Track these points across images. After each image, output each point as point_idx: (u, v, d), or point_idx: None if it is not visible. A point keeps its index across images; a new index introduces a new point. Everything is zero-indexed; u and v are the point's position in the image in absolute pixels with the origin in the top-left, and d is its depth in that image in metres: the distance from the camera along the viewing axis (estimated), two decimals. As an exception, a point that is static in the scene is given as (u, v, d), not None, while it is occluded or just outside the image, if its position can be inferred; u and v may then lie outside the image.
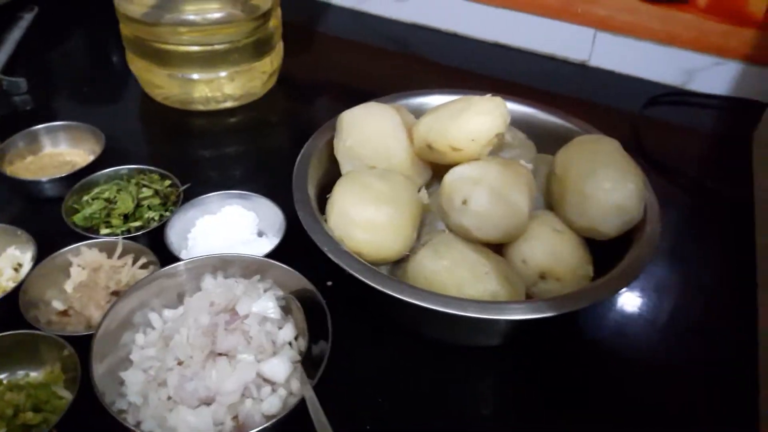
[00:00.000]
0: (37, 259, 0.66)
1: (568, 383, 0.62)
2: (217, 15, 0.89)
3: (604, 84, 1.10)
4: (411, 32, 1.22)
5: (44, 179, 0.76)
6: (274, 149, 0.94)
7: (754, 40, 1.00)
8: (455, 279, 0.58)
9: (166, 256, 0.67)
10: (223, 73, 0.92)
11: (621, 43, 1.08)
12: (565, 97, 1.06)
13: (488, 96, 0.63)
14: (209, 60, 0.91)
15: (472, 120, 0.61)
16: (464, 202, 0.59)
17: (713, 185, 0.89)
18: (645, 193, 0.62)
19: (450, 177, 0.61)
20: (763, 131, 0.90)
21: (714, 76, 1.04)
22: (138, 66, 0.95)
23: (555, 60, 1.15)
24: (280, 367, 0.54)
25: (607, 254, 0.62)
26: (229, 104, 0.96)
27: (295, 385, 0.54)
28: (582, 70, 1.13)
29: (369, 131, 0.67)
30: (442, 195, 0.61)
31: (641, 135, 0.98)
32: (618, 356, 0.65)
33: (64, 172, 0.77)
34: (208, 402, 0.52)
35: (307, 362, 0.56)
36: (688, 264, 0.76)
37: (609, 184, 0.59)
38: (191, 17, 0.89)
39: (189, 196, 0.75)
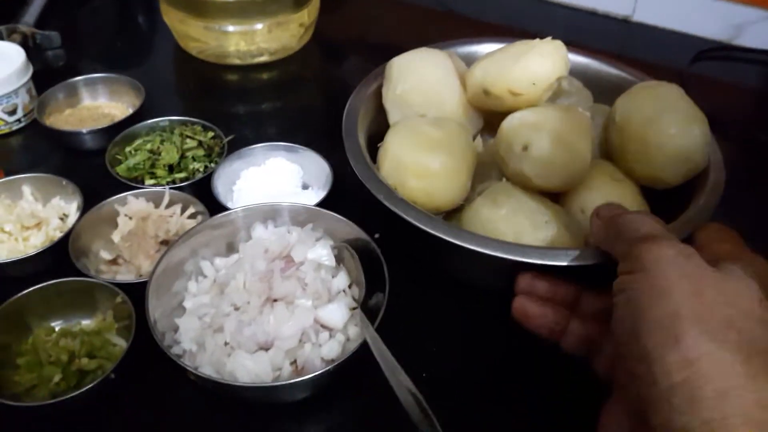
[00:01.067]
0: (83, 210, 0.65)
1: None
2: (254, -36, 0.87)
3: (648, 40, 1.07)
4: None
5: (84, 131, 0.75)
6: (310, 106, 0.92)
7: (807, -8, 0.96)
8: (514, 227, 0.56)
9: (213, 207, 0.66)
10: (258, 26, 0.90)
11: (666, -3, 1.05)
12: (607, 54, 1.02)
13: (548, 39, 0.61)
14: (246, 10, 0.89)
15: (534, 62, 0.59)
16: (525, 148, 0.57)
17: (765, 137, 0.86)
18: (710, 141, 0.59)
19: (509, 122, 0.59)
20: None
21: (764, 30, 1.01)
22: (173, 17, 0.93)
23: (597, 15, 1.11)
24: (338, 313, 0.53)
25: (666, 205, 0.60)
26: (264, 58, 0.94)
27: (353, 331, 0.53)
28: (625, 25, 1.10)
29: (420, 77, 0.65)
30: (500, 141, 0.59)
31: (688, 91, 0.94)
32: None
33: (103, 124, 0.76)
34: (266, 347, 0.51)
35: (363, 311, 0.54)
36: (743, 218, 0.73)
37: (674, 130, 0.57)
38: (228, -33, 0.86)
39: (233, 148, 0.73)
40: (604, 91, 0.70)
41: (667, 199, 0.61)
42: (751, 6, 1.00)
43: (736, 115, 0.93)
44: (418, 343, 0.59)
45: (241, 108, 0.90)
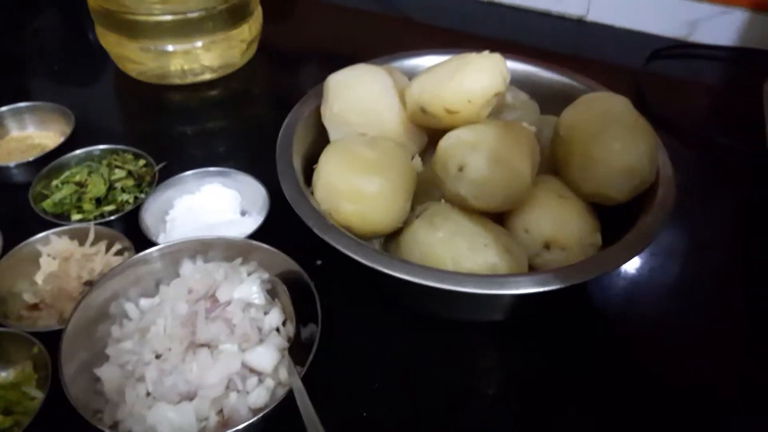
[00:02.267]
0: (4, 250, 0.61)
1: (575, 356, 0.58)
2: (189, -20, 0.83)
3: (603, 39, 1.05)
4: (398, -7, 1.16)
5: (11, 164, 0.71)
6: (256, 122, 0.89)
7: (761, -15, 0.94)
8: (452, 251, 0.54)
9: (142, 242, 0.63)
10: (198, 43, 0.87)
11: (619, -4, 1.03)
12: (562, 55, 1.00)
13: (485, 53, 0.58)
14: (183, 29, 0.85)
15: (469, 78, 0.56)
16: (461, 169, 0.54)
17: (724, 140, 0.85)
18: (657, 154, 0.57)
19: (445, 142, 0.56)
20: (774, 82, 0.85)
21: (719, 26, 0.99)
22: (109, 40, 0.89)
23: (550, 16, 1.09)
24: (267, 356, 0.50)
25: (616, 220, 0.58)
26: (207, 76, 0.91)
27: (284, 374, 0.50)
28: (579, 25, 1.07)
29: (358, 95, 0.62)
30: (437, 162, 0.56)
31: (645, 91, 0.93)
32: (627, 326, 0.61)
33: (32, 156, 0.72)
34: (190, 397, 0.48)
35: (296, 349, 0.51)
36: (698, 224, 0.72)
37: (619, 145, 0.55)
38: (161, -16, 0.83)
39: (165, 176, 0.70)
40: (553, 101, 0.68)
41: (617, 215, 0.58)
42: (704, 2, 0.98)
43: (694, 113, 0.91)
44: (359, 378, 0.56)
45: (182, 129, 0.86)
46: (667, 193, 0.57)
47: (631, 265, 0.66)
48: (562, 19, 1.08)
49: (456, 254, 0.53)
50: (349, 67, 0.65)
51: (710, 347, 0.59)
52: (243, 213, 0.69)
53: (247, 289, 0.53)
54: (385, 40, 1.04)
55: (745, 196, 0.75)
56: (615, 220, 0.58)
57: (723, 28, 0.99)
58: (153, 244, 0.62)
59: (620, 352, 0.59)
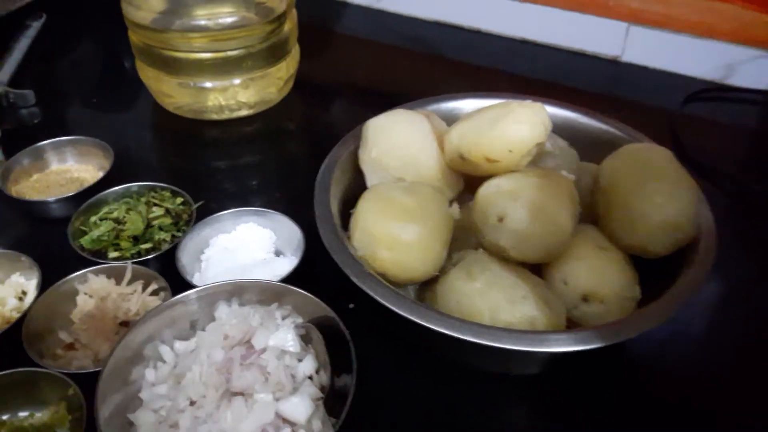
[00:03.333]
0: (42, 287, 0.62)
1: (608, 411, 0.57)
2: (229, 19, 0.84)
3: (638, 80, 1.04)
4: (432, 30, 1.16)
5: (51, 199, 0.73)
6: (292, 159, 0.89)
7: (800, 30, 0.93)
8: (489, 303, 0.53)
9: (177, 281, 0.63)
10: (236, 81, 0.88)
11: (655, 37, 1.02)
12: (596, 95, 1.00)
13: (527, 102, 0.58)
14: (222, 67, 0.86)
15: (510, 129, 0.55)
16: (500, 220, 0.54)
17: (760, 187, 0.83)
18: (700, 208, 0.56)
19: (484, 190, 0.56)
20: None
21: (756, 69, 0.98)
22: (148, 75, 0.91)
23: (585, 56, 1.08)
24: (301, 407, 0.49)
25: (654, 272, 0.57)
26: (244, 112, 0.92)
27: (317, 425, 0.49)
28: (614, 66, 1.07)
29: (396, 140, 0.63)
30: (476, 210, 0.56)
31: (680, 134, 0.92)
32: (665, 380, 0.60)
33: (71, 191, 0.73)
34: (223, 447, 0.48)
35: (331, 399, 0.51)
36: (736, 274, 0.70)
37: (660, 199, 0.54)
38: (202, 22, 0.84)
39: (202, 214, 0.70)
40: (593, 148, 0.67)
41: (658, 267, 0.57)
42: (742, 45, 0.97)
43: (732, 158, 0.89)
44: (393, 430, 0.55)
45: (217, 164, 0.87)
46: (708, 247, 0.56)
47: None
48: (596, 59, 1.08)
49: (494, 306, 0.53)
50: (388, 112, 0.66)
51: (748, 403, 0.57)
52: (277, 253, 0.69)
53: (282, 336, 0.53)
54: (419, 78, 1.05)
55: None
56: (654, 272, 0.57)
57: (760, 72, 0.98)
58: (188, 283, 0.62)
59: (654, 407, 0.57)
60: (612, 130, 0.68)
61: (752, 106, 0.99)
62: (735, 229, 0.75)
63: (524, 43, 1.12)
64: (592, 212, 0.61)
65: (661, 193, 0.54)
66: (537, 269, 0.58)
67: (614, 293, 0.55)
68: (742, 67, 0.99)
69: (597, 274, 0.56)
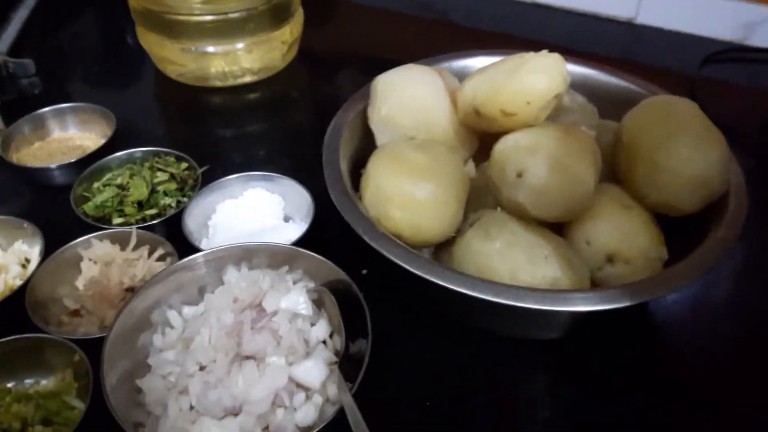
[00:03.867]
0: (46, 254, 0.60)
1: (632, 377, 0.55)
2: (230, -21, 0.82)
3: (654, 43, 1.01)
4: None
5: (53, 166, 0.71)
6: (298, 126, 0.87)
7: (823, -14, 0.89)
8: (509, 263, 0.51)
9: (184, 247, 0.61)
10: (239, 45, 0.85)
11: (671, -3, 0.99)
12: (612, 59, 0.96)
13: (544, 52, 0.55)
14: (224, 30, 0.84)
15: (527, 79, 0.53)
16: (519, 175, 0.51)
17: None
18: (729, 162, 0.53)
19: (501, 146, 0.54)
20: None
21: (777, 29, 0.95)
22: (149, 41, 0.88)
23: (599, 19, 1.05)
24: (315, 371, 0.47)
25: (682, 231, 0.55)
26: (247, 79, 0.89)
27: (332, 390, 0.48)
28: (629, 28, 1.04)
29: (407, 97, 0.60)
30: (493, 167, 0.54)
31: (698, 96, 0.88)
32: (689, 348, 0.58)
33: (73, 157, 0.71)
34: (234, 412, 0.46)
35: (345, 363, 0.49)
36: (759, 237, 0.67)
37: (687, 152, 0.51)
38: (203, -17, 0.81)
39: (208, 180, 0.68)
40: (611, 105, 0.65)
41: (684, 226, 0.55)
42: (761, 4, 0.93)
43: (752, 120, 0.86)
44: (410, 395, 0.53)
45: (222, 132, 0.85)
46: (739, 204, 0.54)
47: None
48: (611, 22, 1.05)
49: (514, 267, 0.50)
50: (397, 68, 0.63)
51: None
52: (287, 219, 0.67)
53: (294, 298, 0.51)
54: (427, 44, 1.02)
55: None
56: (681, 231, 0.55)
57: (781, 31, 0.94)
58: (196, 249, 0.60)
59: (679, 373, 0.55)
60: (632, 87, 0.66)
61: (773, 67, 0.95)
62: (758, 193, 0.73)
63: (537, 6, 1.09)
64: (614, 171, 0.59)
65: (688, 147, 0.52)
66: (558, 230, 0.55)
67: (640, 253, 0.53)
68: (761, 27, 0.95)
69: (621, 233, 0.53)
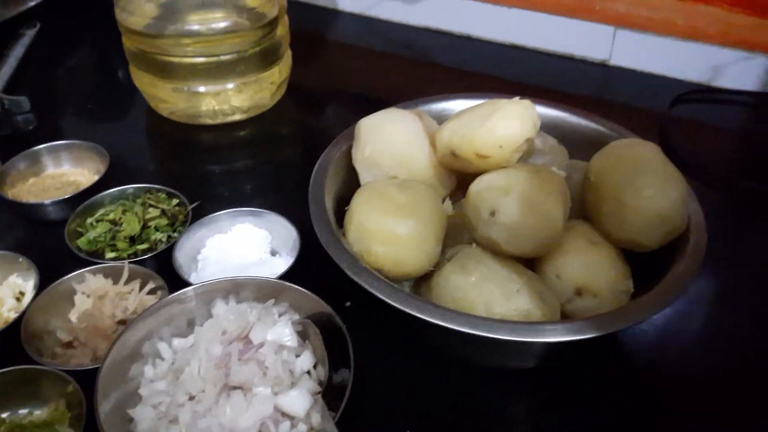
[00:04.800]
0: (40, 287, 0.62)
1: (606, 405, 0.58)
2: (222, 24, 0.85)
3: (626, 83, 1.05)
4: (423, 37, 1.18)
5: (47, 202, 0.73)
6: (285, 162, 0.90)
7: (784, 32, 0.95)
8: (484, 296, 0.54)
9: (174, 280, 0.63)
10: (230, 85, 0.89)
11: (642, 40, 1.04)
12: (586, 98, 1.02)
13: (516, 99, 0.59)
14: (215, 72, 0.87)
15: (500, 125, 0.57)
16: (492, 214, 0.54)
17: (749, 184, 0.84)
18: (689, 201, 0.57)
19: (476, 186, 0.57)
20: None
21: (742, 71, 0.99)
22: (142, 80, 0.91)
23: (574, 60, 1.10)
24: (300, 400, 0.50)
25: (646, 265, 0.58)
26: (237, 117, 0.92)
27: (316, 419, 0.50)
28: (603, 69, 1.08)
29: (389, 138, 0.63)
30: (468, 206, 0.57)
31: (669, 134, 0.93)
32: (660, 373, 0.61)
33: (67, 194, 0.74)
34: (223, 440, 0.48)
35: (329, 393, 0.51)
36: (725, 268, 0.71)
37: (650, 192, 0.55)
38: (195, 27, 0.85)
39: (198, 215, 0.71)
40: (581, 146, 0.68)
41: (649, 261, 0.58)
42: (728, 47, 0.99)
43: (720, 158, 0.91)
44: (390, 424, 0.56)
45: (212, 168, 0.88)
46: (699, 240, 0.57)
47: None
48: (585, 63, 1.09)
49: (489, 299, 0.53)
50: (380, 112, 0.67)
51: (742, 394, 0.58)
52: (273, 253, 0.69)
53: (279, 331, 0.53)
54: (411, 83, 1.06)
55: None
56: (645, 266, 0.58)
57: (746, 73, 0.99)
58: (186, 282, 0.63)
59: (649, 400, 0.58)
60: (600, 128, 0.70)
61: (739, 107, 1.00)
62: (725, 227, 0.77)
63: (514, 48, 1.14)
64: (583, 208, 0.62)
65: (650, 187, 0.55)
66: (530, 264, 0.59)
67: (607, 287, 0.56)
68: (728, 69, 1.00)
69: (589, 267, 0.57)
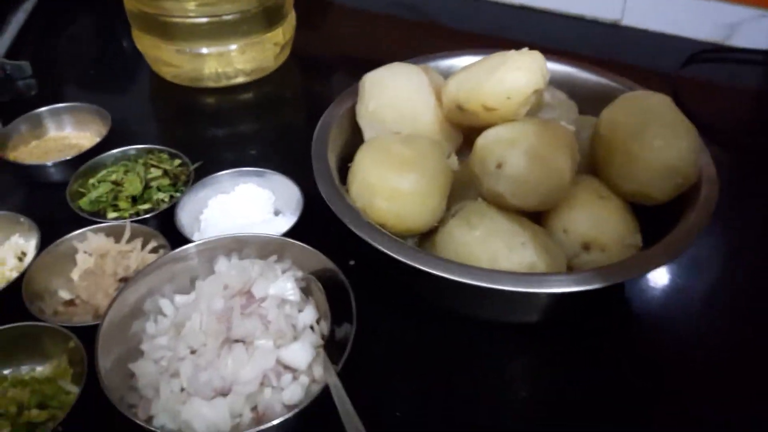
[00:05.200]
0: (42, 247, 0.62)
1: (610, 364, 0.57)
2: (223, -17, 0.84)
3: (638, 44, 1.03)
4: (430, -2, 1.16)
5: (49, 163, 0.72)
6: (289, 125, 0.89)
7: (801, -13, 0.92)
8: (488, 251, 0.53)
9: (177, 240, 0.63)
10: (233, 46, 0.87)
11: (655, -1, 1.01)
12: (597, 60, 0.98)
13: (524, 50, 0.57)
14: (218, 32, 0.86)
15: (508, 75, 0.55)
16: (499, 166, 0.53)
17: (763, 144, 0.82)
18: (700, 152, 0.55)
19: (483, 139, 0.56)
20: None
21: (758, 29, 0.97)
22: (145, 43, 0.90)
23: (585, 21, 1.08)
24: (302, 353, 0.49)
25: (657, 220, 0.57)
26: (240, 79, 0.91)
27: (318, 371, 0.49)
28: (614, 29, 1.06)
29: (393, 93, 0.62)
30: (474, 159, 0.56)
31: (681, 95, 0.91)
32: (663, 332, 0.60)
33: (69, 155, 0.73)
34: (224, 393, 0.48)
35: (331, 347, 0.51)
36: (736, 228, 0.70)
37: (660, 143, 0.53)
38: (197, -15, 0.83)
39: (200, 176, 0.70)
40: (591, 102, 0.67)
41: (658, 215, 0.57)
42: (743, 5, 0.96)
43: (732, 119, 0.89)
44: (392, 378, 0.55)
45: (215, 132, 0.87)
46: (710, 192, 0.56)
47: (668, 269, 0.64)
48: (596, 24, 1.07)
49: (493, 253, 0.52)
50: (385, 66, 0.65)
51: (742, 358, 0.57)
52: (277, 213, 0.68)
53: (282, 285, 0.53)
54: (415, 46, 1.04)
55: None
56: (656, 220, 0.57)
57: (762, 32, 0.97)
58: (188, 242, 0.62)
59: (655, 360, 0.57)
60: (610, 83, 0.68)
61: (753, 66, 0.98)
62: (739, 187, 0.75)
63: (522, 9, 1.12)
64: (592, 163, 0.61)
65: (660, 137, 0.54)
66: (537, 219, 0.57)
67: (615, 241, 0.55)
68: (743, 28, 0.98)
69: (597, 222, 0.55)
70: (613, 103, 0.60)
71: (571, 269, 0.56)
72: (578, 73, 0.70)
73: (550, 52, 0.98)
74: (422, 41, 1.06)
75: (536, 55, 0.57)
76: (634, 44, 1.03)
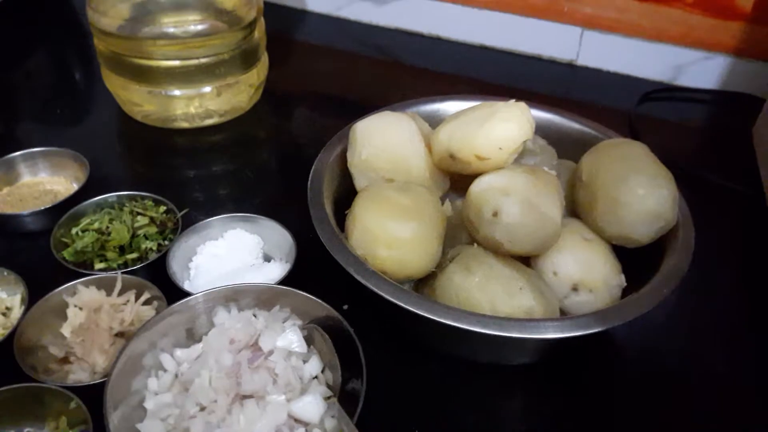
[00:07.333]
0: (29, 301, 0.60)
1: (598, 396, 0.60)
2: (198, 27, 0.84)
3: (593, 83, 1.08)
4: (393, 38, 1.19)
5: (25, 212, 0.70)
6: (265, 167, 0.89)
7: (741, 33, 0.99)
8: (488, 295, 0.55)
9: (168, 289, 0.62)
10: (207, 88, 0.87)
11: (608, 41, 1.07)
12: (554, 98, 1.04)
13: (511, 102, 0.60)
14: (192, 75, 0.85)
15: (499, 127, 0.58)
16: (495, 214, 0.56)
17: (718, 180, 0.88)
18: (678, 198, 0.59)
19: (477, 188, 0.58)
20: (762, 128, 0.89)
21: (702, 70, 1.04)
22: (114, 83, 0.89)
23: (542, 60, 1.13)
24: (313, 406, 0.50)
25: (638, 263, 0.60)
26: (214, 120, 0.91)
27: (330, 423, 0.50)
28: (570, 69, 1.11)
29: (385, 142, 0.64)
30: (470, 207, 0.58)
31: (639, 132, 0.97)
32: (650, 366, 0.63)
33: (45, 202, 0.71)
34: (238, 450, 0.48)
35: (342, 397, 0.51)
36: (706, 265, 0.74)
37: (642, 190, 0.57)
38: (171, 30, 0.83)
39: (187, 222, 0.70)
40: (566, 146, 0.71)
41: (638, 257, 0.60)
42: (690, 48, 1.03)
43: (685, 155, 0.94)
44: (400, 424, 0.56)
45: (192, 173, 0.86)
46: (687, 234, 0.60)
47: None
48: (552, 63, 1.12)
49: (493, 298, 0.55)
50: (374, 114, 0.67)
51: (727, 390, 0.61)
52: (267, 258, 0.69)
53: (289, 337, 0.53)
54: (383, 84, 1.07)
55: (744, 238, 0.78)
56: (638, 263, 0.60)
57: (707, 73, 1.04)
58: (181, 291, 0.62)
59: (641, 394, 0.60)
60: (584, 128, 0.72)
61: (701, 105, 1.05)
62: (698, 222, 0.80)
63: (483, 48, 1.16)
64: (574, 206, 0.64)
65: (642, 185, 0.57)
66: (526, 262, 0.60)
67: (602, 282, 0.58)
68: (689, 68, 1.05)
69: (585, 264, 0.58)
70: (593, 150, 0.63)
71: (562, 310, 0.58)
72: (554, 118, 0.74)
73: (511, 90, 1.03)
74: (389, 79, 1.08)
75: (523, 106, 0.61)
76: (589, 83, 1.09)
